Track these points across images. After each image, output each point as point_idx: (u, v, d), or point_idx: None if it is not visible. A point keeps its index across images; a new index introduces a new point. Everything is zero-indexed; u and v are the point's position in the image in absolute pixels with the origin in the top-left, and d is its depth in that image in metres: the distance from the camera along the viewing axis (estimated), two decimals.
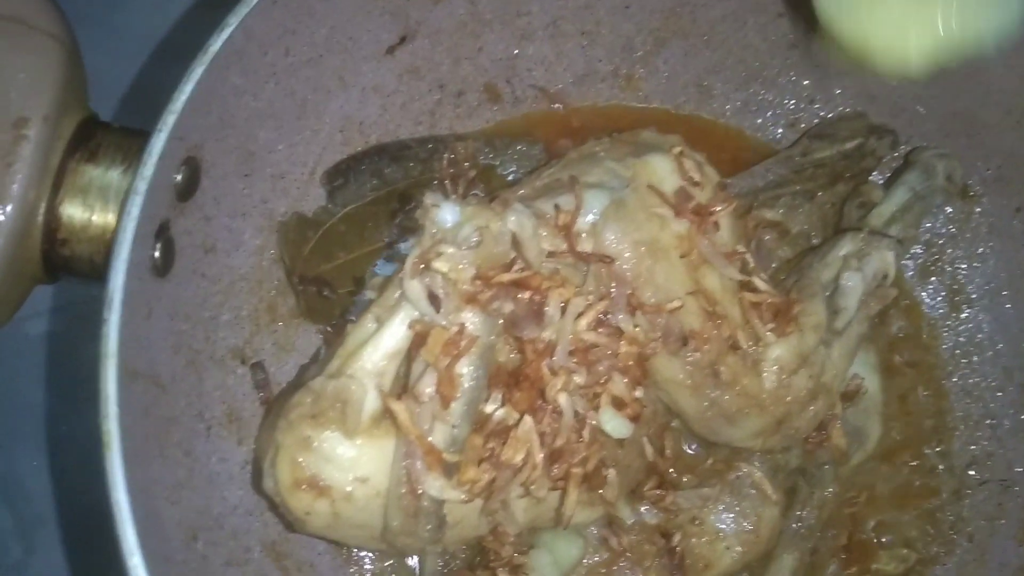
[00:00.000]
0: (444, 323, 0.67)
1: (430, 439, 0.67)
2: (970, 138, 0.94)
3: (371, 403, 0.69)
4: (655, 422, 0.83)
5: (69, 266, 0.73)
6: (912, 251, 0.99)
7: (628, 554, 0.83)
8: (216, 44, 0.69)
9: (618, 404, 0.73)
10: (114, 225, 0.69)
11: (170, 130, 0.67)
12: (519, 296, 0.70)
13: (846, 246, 0.89)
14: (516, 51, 0.96)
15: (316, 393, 0.69)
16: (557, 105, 1.01)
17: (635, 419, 0.74)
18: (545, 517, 0.77)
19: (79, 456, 1.19)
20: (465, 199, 0.73)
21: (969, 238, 0.97)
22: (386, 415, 0.70)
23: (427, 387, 0.66)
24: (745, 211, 0.94)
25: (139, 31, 1.21)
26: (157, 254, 0.70)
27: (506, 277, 0.67)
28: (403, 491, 0.67)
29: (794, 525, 0.89)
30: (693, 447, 0.89)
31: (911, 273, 1.00)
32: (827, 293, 0.87)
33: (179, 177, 0.71)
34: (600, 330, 0.73)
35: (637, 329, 0.75)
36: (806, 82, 1.00)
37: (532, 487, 0.71)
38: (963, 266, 0.98)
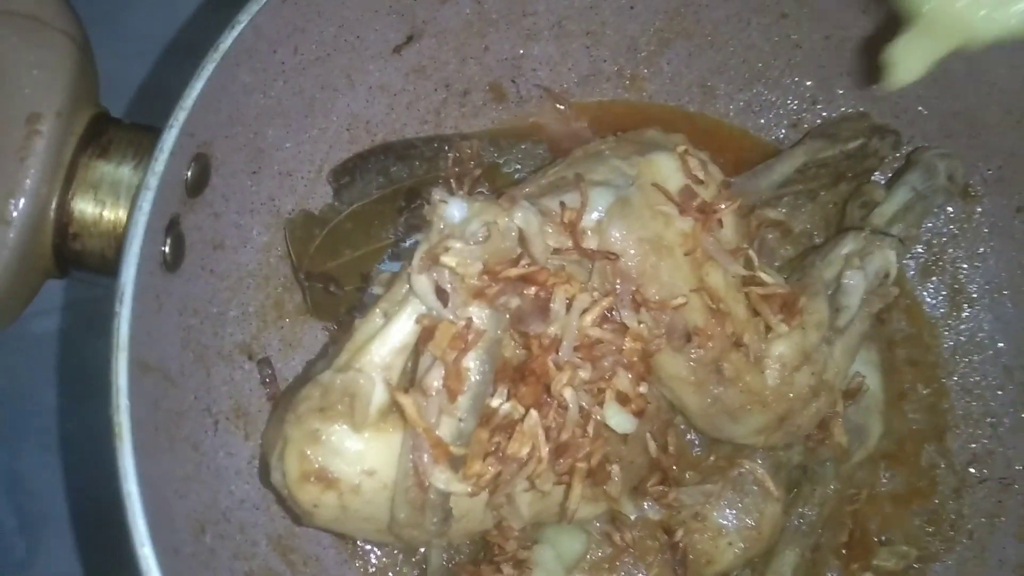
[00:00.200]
0: (451, 317, 0.67)
1: (437, 432, 0.67)
2: (971, 138, 0.95)
3: (379, 397, 0.70)
4: (658, 418, 0.83)
5: (80, 260, 0.74)
6: (913, 251, 0.99)
7: (631, 550, 0.83)
8: (227, 41, 0.70)
9: (622, 399, 0.74)
10: (125, 220, 0.70)
11: (181, 126, 0.67)
12: (525, 292, 0.71)
13: (848, 245, 0.90)
14: (521, 51, 0.97)
15: (324, 387, 0.70)
16: (562, 104, 1.01)
17: (639, 414, 0.75)
18: (549, 512, 0.78)
19: (85, 453, 1.20)
20: (472, 196, 0.73)
21: (970, 238, 0.98)
22: (393, 409, 0.70)
23: (434, 381, 0.67)
24: (748, 211, 0.95)
25: (147, 32, 1.22)
26: (167, 249, 0.70)
27: (513, 272, 0.68)
28: (410, 484, 0.68)
29: (796, 522, 0.90)
30: (696, 444, 0.90)
31: (912, 273, 1.00)
32: (829, 291, 0.88)
33: (189, 173, 0.72)
34: (605, 326, 0.74)
35: (641, 325, 0.75)
36: (809, 83, 1.00)
37: (537, 481, 0.71)
38: (964, 266, 0.99)
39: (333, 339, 0.87)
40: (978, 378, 0.98)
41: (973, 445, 0.97)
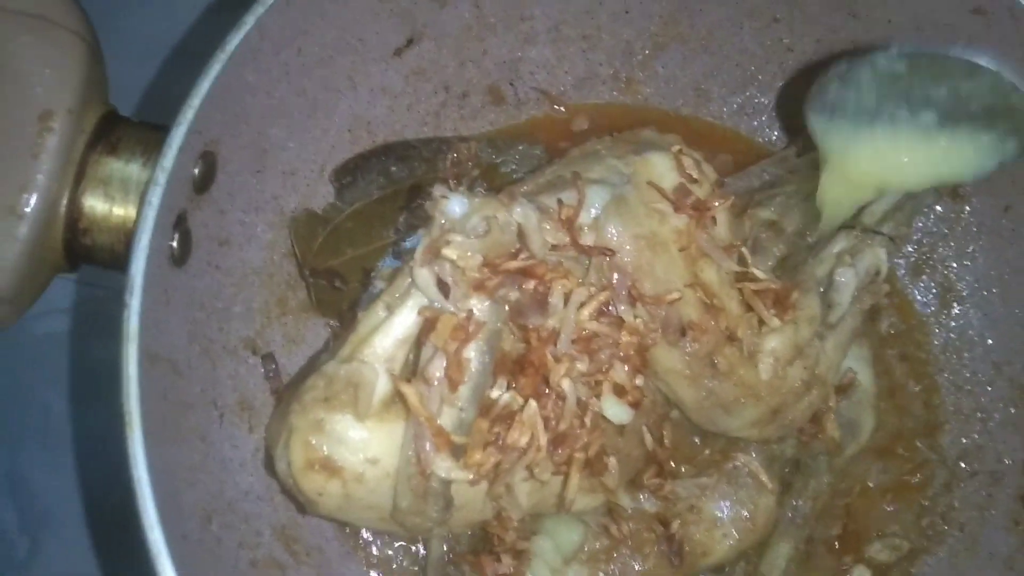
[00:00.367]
0: (453, 309, 0.69)
1: (439, 421, 0.69)
2: None
3: (382, 387, 0.71)
4: (654, 412, 0.85)
5: (90, 255, 0.76)
6: (904, 250, 1.01)
7: (628, 541, 0.85)
8: (234, 41, 0.72)
9: (619, 391, 0.76)
10: (134, 216, 0.72)
11: (189, 123, 0.69)
12: (524, 285, 0.72)
13: (839, 243, 0.91)
14: (519, 54, 0.99)
15: (329, 377, 0.72)
16: (559, 107, 1.03)
17: (636, 406, 0.76)
18: (548, 503, 0.79)
19: (89, 453, 1.21)
20: (472, 192, 0.75)
21: (959, 237, 0.99)
22: (396, 399, 0.72)
23: (436, 371, 0.69)
24: (742, 211, 0.97)
25: (149, 37, 1.24)
26: (175, 244, 0.72)
27: (512, 265, 0.70)
28: (412, 472, 0.70)
29: (789, 514, 0.91)
30: (692, 438, 0.91)
31: (903, 272, 1.01)
32: (821, 289, 0.90)
33: (196, 170, 0.74)
34: (602, 320, 0.75)
35: (638, 320, 0.77)
36: (802, 86, 1.02)
37: (536, 470, 0.73)
38: (953, 264, 1.00)
39: (336, 334, 0.89)
40: (968, 374, 0.99)
41: (964, 440, 0.98)
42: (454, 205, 0.71)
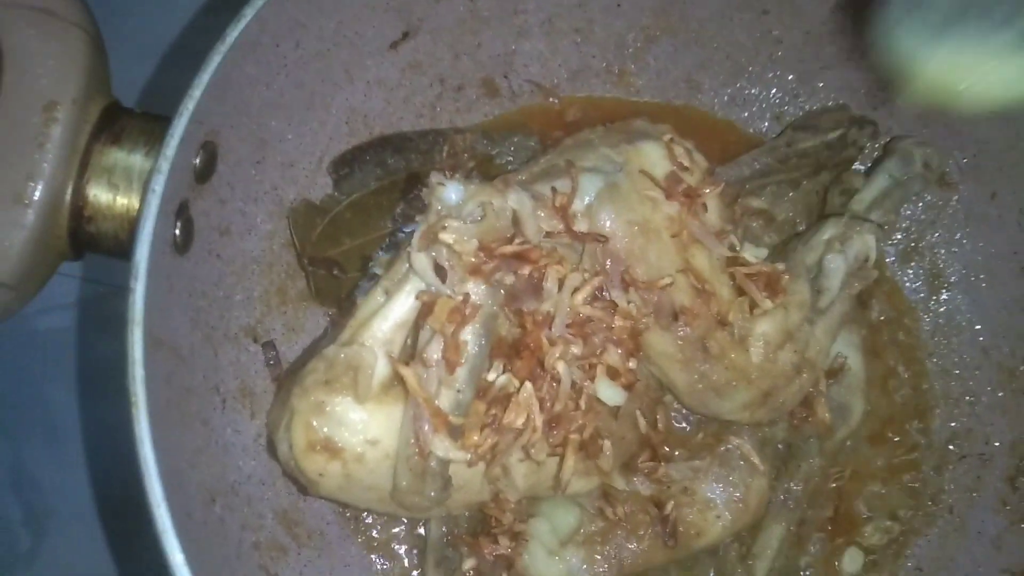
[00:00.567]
0: (449, 293, 0.71)
1: (437, 402, 0.70)
2: (947, 128, 0.97)
3: (381, 370, 0.73)
4: (648, 396, 0.86)
5: (95, 243, 0.77)
6: (893, 237, 1.02)
7: (624, 523, 0.86)
8: (233, 33, 0.73)
9: (613, 374, 0.77)
10: (137, 204, 0.73)
11: (190, 113, 0.71)
12: (520, 271, 0.74)
13: (829, 230, 0.93)
14: (513, 47, 1.00)
15: (329, 360, 0.73)
16: (552, 99, 1.05)
17: (629, 388, 0.78)
18: (544, 485, 0.81)
19: (91, 446, 1.23)
20: (468, 179, 0.76)
21: (947, 224, 1.00)
22: (395, 382, 0.73)
23: (434, 353, 0.70)
24: (733, 199, 0.98)
25: (150, 33, 1.25)
26: (177, 231, 0.73)
27: (508, 249, 0.71)
28: (411, 452, 0.71)
29: (782, 497, 0.92)
30: (685, 424, 0.93)
31: (892, 259, 1.03)
32: (811, 275, 0.91)
33: (197, 160, 0.75)
34: (596, 304, 0.77)
35: (631, 304, 0.79)
36: (791, 76, 1.03)
37: (532, 451, 0.74)
38: (942, 251, 1.01)
39: (334, 322, 0.90)
40: (957, 359, 1.00)
41: (953, 423, 0.99)
42: (450, 192, 0.73)
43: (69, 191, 0.74)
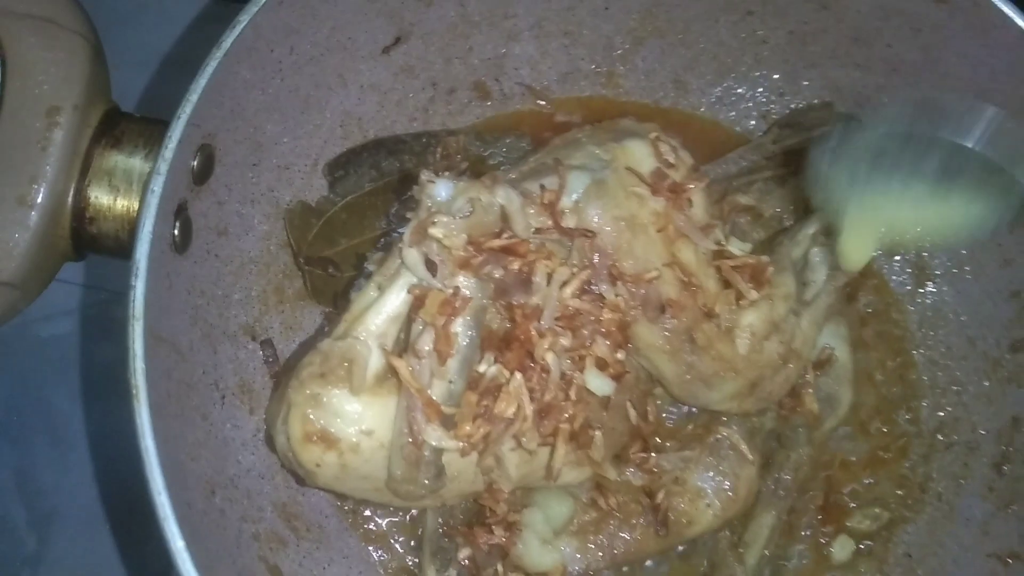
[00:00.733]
0: (440, 286, 0.73)
1: (429, 393, 0.72)
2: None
3: (375, 362, 0.75)
4: (638, 388, 0.88)
5: (96, 243, 0.79)
6: None
7: (616, 513, 0.88)
8: (229, 39, 0.75)
9: (601, 365, 0.79)
10: (137, 206, 0.76)
11: (188, 116, 0.73)
12: (509, 265, 0.76)
13: (814, 225, 0.95)
14: (503, 51, 1.02)
15: (324, 354, 0.75)
16: (543, 101, 1.07)
17: (618, 378, 0.80)
18: (537, 475, 0.82)
19: (94, 450, 1.24)
20: (457, 176, 0.78)
21: None
22: (389, 375, 0.75)
23: (426, 345, 0.72)
24: (721, 196, 1.00)
25: (147, 44, 1.28)
26: (176, 231, 0.76)
27: (496, 242, 0.73)
28: (405, 441, 0.73)
29: (772, 486, 0.94)
30: (675, 415, 0.95)
31: (878, 252, 1.04)
32: (797, 268, 0.93)
33: (195, 162, 0.77)
34: (584, 298, 0.79)
35: (618, 297, 0.81)
36: (776, 76, 1.05)
37: (523, 440, 0.76)
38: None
39: (329, 319, 0.92)
40: (944, 349, 1.02)
41: (940, 413, 1.01)
42: (440, 189, 0.75)
43: (71, 193, 0.77)
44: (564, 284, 0.78)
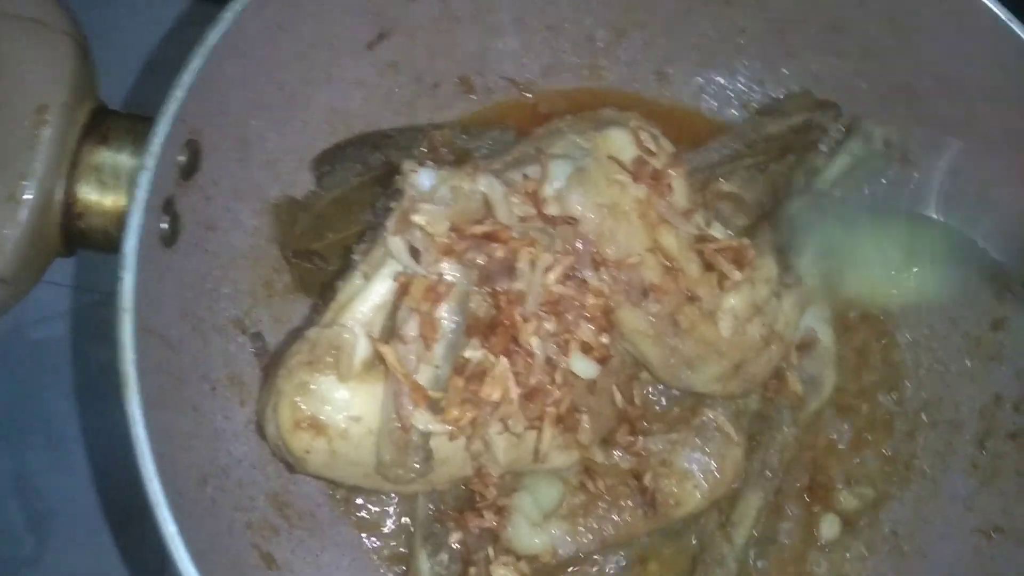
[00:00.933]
0: (424, 273, 0.74)
1: (416, 378, 0.74)
2: (907, 108, 0.99)
3: (362, 349, 0.76)
4: (624, 373, 0.90)
5: (85, 239, 0.81)
6: None
7: (605, 496, 0.90)
8: (214, 36, 0.77)
9: (586, 348, 0.80)
10: (125, 201, 0.77)
11: (174, 113, 0.74)
12: (492, 252, 0.77)
13: (794, 208, 0.97)
14: (486, 45, 1.03)
15: (312, 342, 0.76)
16: (527, 94, 1.08)
17: (602, 361, 0.81)
18: (525, 459, 0.83)
19: (91, 450, 1.26)
20: (440, 166, 0.80)
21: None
22: (376, 362, 0.77)
23: (411, 331, 0.73)
24: (703, 184, 1.02)
25: (132, 45, 1.29)
26: (165, 225, 0.77)
27: (478, 229, 0.75)
28: (393, 426, 0.74)
29: (758, 467, 0.95)
30: (660, 399, 0.96)
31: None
32: (778, 252, 0.95)
33: (182, 157, 0.78)
34: (568, 283, 0.80)
35: (602, 283, 0.82)
36: (756, 65, 1.06)
37: (510, 423, 0.77)
38: None
39: (317, 310, 0.93)
40: (926, 330, 1.03)
41: (923, 393, 1.02)
42: (423, 177, 0.76)
43: (60, 189, 0.78)
44: (547, 270, 0.79)
